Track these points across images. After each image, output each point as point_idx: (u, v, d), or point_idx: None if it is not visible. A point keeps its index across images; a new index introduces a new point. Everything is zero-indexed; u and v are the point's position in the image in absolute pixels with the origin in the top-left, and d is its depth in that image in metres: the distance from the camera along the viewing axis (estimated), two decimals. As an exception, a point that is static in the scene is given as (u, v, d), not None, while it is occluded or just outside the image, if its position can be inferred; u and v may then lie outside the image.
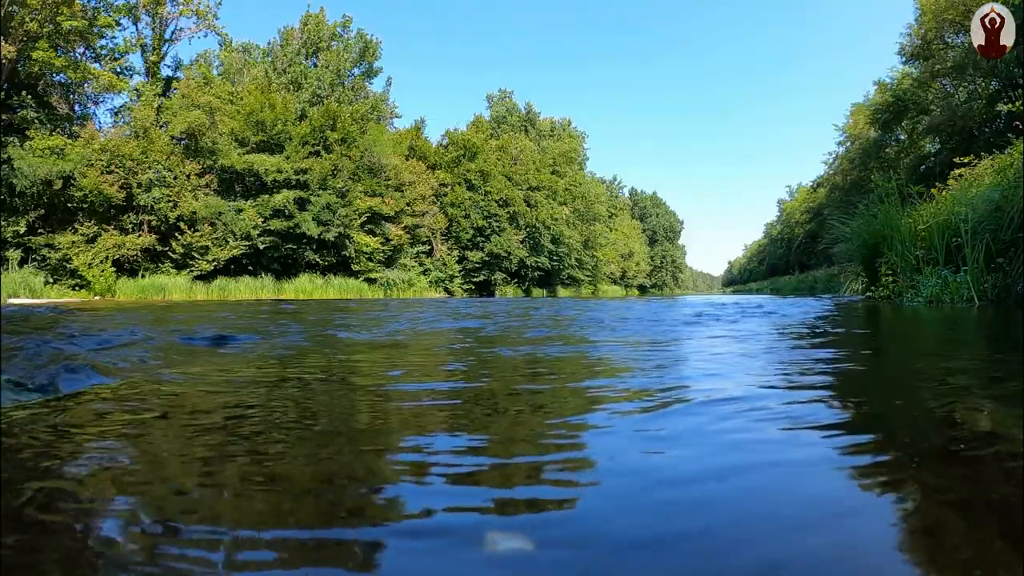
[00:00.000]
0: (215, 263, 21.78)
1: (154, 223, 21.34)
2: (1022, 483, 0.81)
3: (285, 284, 23.28)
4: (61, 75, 21.36)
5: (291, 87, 30.22)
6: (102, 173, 19.77)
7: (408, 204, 29.25)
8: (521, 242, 37.92)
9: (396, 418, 1.28)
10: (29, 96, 20.20)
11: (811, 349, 2.54)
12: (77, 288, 18.91)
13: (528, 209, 39.02)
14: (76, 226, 19.64)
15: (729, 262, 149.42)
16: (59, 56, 20.36)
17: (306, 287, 23.31)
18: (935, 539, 0.65)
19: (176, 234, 21.37)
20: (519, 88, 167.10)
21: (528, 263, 38.80)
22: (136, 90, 23.39)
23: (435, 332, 3.90)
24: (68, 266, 18.99)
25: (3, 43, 18.16)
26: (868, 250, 8.58)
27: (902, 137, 29.04)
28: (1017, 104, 20.56)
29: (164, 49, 25.31)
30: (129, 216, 20.92)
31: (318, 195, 24.93)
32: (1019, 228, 5.80)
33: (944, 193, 8.18)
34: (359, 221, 25.98)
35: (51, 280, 18.68)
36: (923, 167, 25.69)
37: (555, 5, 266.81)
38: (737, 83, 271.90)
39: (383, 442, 1.07)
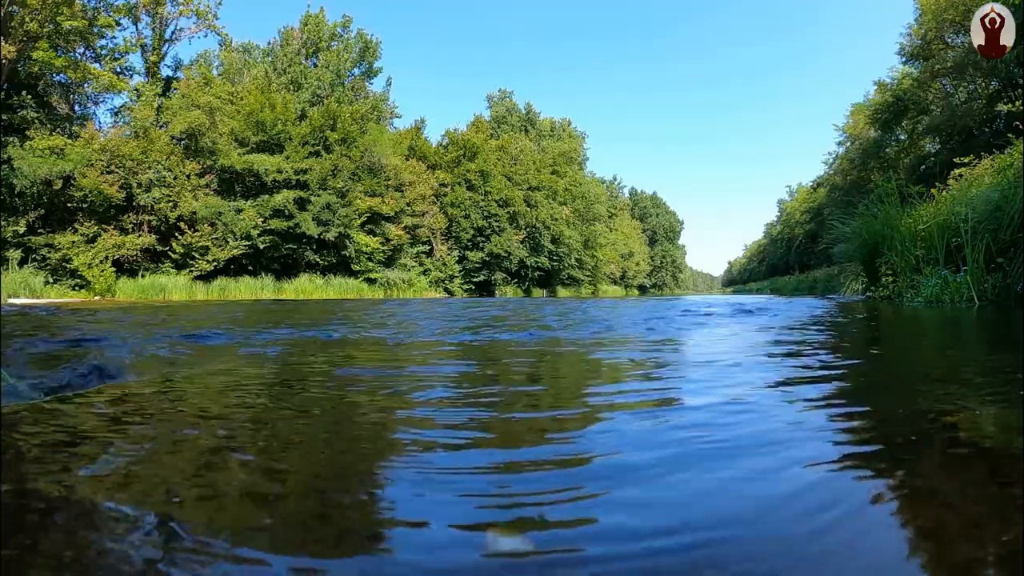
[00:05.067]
0: (215, 263, 21.77)
1: (154, 223, 21.33)
2: (1022, 483, 0.81)
3: (285, 284, 23.28)
4: (61, 75, 21.35)
5: (291, 87, 30.21)
6: (102, 173, 19.76)
7: (408, 204, 29.24)
8: (521, 242, 37.90)
9: (396, 417, 1.28)
10: (29, 96, 20.19)
11: (810, 349, 2.54)
12: (77, 288, 18.90)
13: (528, 209, 39.00)
14: (76, 226, 19.63)
15: (729, 262, 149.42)
16: (59, 56, 20.35)
17: (306, 287, 23.32)
18: (935, 539, 0.65)
19: (176, 234, 21.36)
20: (519, 88, 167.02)
21: (528, 263, 38.78)
22: (136, 90, 23.38)
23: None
24: (68, 266, 18.98)
25: (3, 43, 18.16)
26: (868, 250, 8.57)
27: (902, 137, 29.03)
28: (1017, 104, 20.56)
29: (164, 49, 25.30)
30: (129, 216, 20.91)
31: (318, 195, 24.93)
32: (1019, 228, 5.79)
33: (944, 193, 8.17)
34: (359, 221, 25.97)
35: (51, 280, 18.67)
36: (923, 167, 25.69)
37: (555, 6, 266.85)
38: (737, 83, 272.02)
39: (383, 441, 1.07)
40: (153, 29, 24.91)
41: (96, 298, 17.77)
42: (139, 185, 20.51)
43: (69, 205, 19.50)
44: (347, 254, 25.76)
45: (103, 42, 23.01)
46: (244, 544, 0.63)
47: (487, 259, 35.43)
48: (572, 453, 0.95)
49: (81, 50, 22.26)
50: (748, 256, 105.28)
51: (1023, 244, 5.71)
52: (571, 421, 1.20)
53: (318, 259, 25.20)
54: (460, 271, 33.60)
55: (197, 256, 21.53)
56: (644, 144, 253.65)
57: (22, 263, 18.44)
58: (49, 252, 18.92)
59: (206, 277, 21.67)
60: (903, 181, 9.27)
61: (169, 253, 21.40)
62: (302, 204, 24.65)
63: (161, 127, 22.28)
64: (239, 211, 22.81)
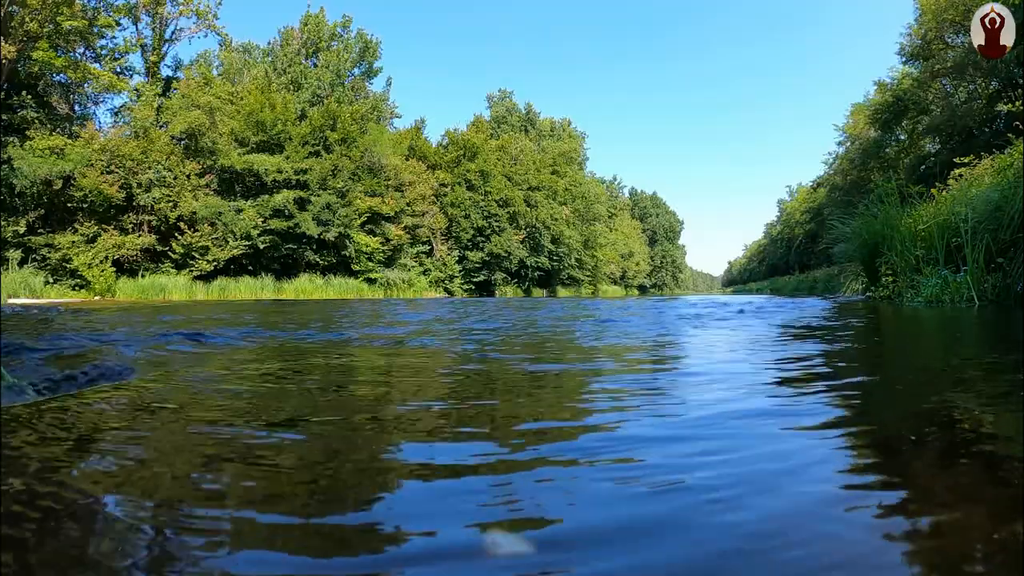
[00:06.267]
0: (215, 263, 21.78)
1: (154, 223, 21.34)
2: (1022, 483, 0.81)
3: (285, 284, 23.29)
4: (61, 75, 21.37)
5: (291, 87, 30.21)
6: (102, 173, 19.77)
7: (408, 204, 29.25)
8: (521, 242, 37.91)
9: (395, 413, 1.28)
10: (29, 96, 20.20)
11: (810, 349, 2.54)
12: (77, 288, 18.91)
13: (528, 209, 39.02)
14: (76, 226, 19.64)
15: (729, 262, 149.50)
16: (59, 56, 20.36)
17: (306, 287, 23.33)
18: (935, 539, 0.65)
19: (176, 234, 21.37)
20: (519, 88, 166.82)
21: (528, 263, 38.79)
22: (136, 90, 23.39)
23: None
24: (68, 266, 18.99)
25: (3, 43, 18.16)
26: (868, 250, 8.57)
27: (902, 137, 29.03)
28: (1017, 104, 20.57)
29: (164, 49, 25.32)
30: (129, 216, 20.92)
31: (318, 195, 24.94)
32: (1019, 228, 5.79)
33: (944, 193, 8.17)
34: (359, 221, 25.98)
35: (51, 280, 18.67)
36: (923, 167, 25.69)
37: (555, 6, 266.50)
38: (737, 83, 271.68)
39: (382, 438, 1.07)
40: (153, 29, 24.93)
41: (96, 298, 17.77)
42: (139, 185, 20.52)
43: (69, 205, 19.50)
44: (347, 254, 25.77)
45: (103, 42, 23.05)
46: (245, 541, 0.63)
47: (487, 259, 35.44)
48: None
49: (81, 50, 22.27)
50: (748, 256, 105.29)
51: (1023, 244, 5.71)
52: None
53: (318, 259, 25.21)
54: (460, 271, 33.60)
55: (197, 256, 21.54)
56: (644, 144, 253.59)
57: (22, 263, 18.44)
58: (49, 252, 18.92)
59: (206, 277, 21.68)
60: (903, 181, 9.25)
61: (169, 253, 21.41)
62: (302, 204, 24.66)
63: (161, 127, 22.29)
64: (239, 211, 22.82)
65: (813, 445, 0.98)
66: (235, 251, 22.25)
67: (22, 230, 18.66)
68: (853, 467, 0.89)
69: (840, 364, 2.10)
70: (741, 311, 5.86)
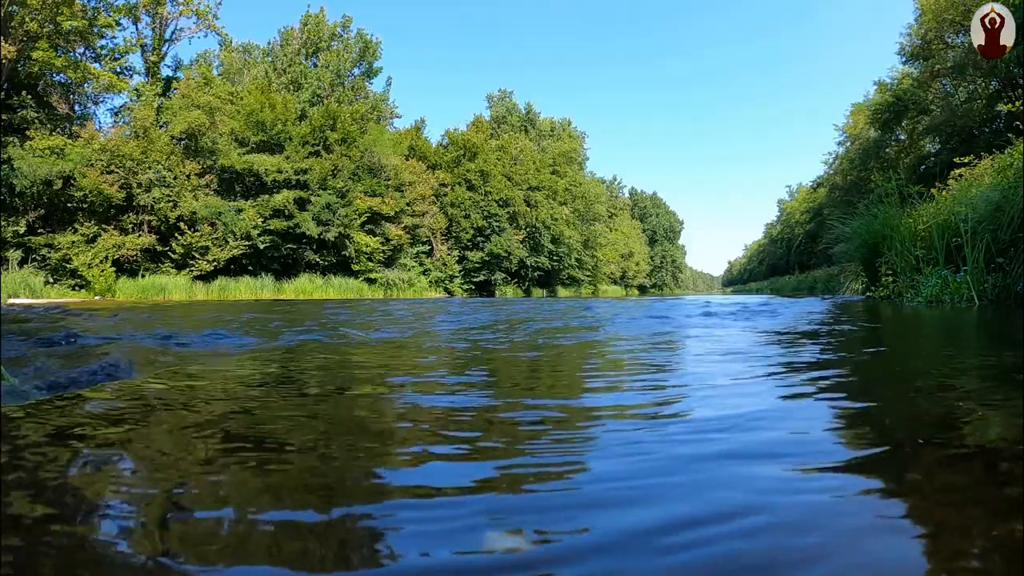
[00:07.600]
0: (215, 263, 21.78)
1: (154, 223, 21.34)
2: (1022, 483, 0.81)
3: (285, 284, 23.29)
4: (61, 75, 21.37)
5: (291, 87, 30.22)
6: (102, 173, 19.77)
7: (408, 204, 29.24)
8: (521, 242, 37.89)
9: (394, 412, 1.28)
10: (29, 96, 20.20)
11: (810, 349, 2.54)
12: (77, 288, 18.91)
13: (528, 209, 38.99)
14: (76, 226, 19.64)
15: (729, 262, 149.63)
16: (59, 56, 20.36)
17: (306, 287, 23.33)
18: (935, 539, 0.65)
19: (176, 234, 21.37)
20: (519, 88, 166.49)
21: (528, 263, 38.77)
22: (136, 90, 23.40)
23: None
24: (68, 266, 18.99)
25: (3, 43, 18.16)
26: (868, 250, 8.57)
27: (902, 137, 29.00)
28: (1017, 104, 20.53)
29: (164, 49, 25.33)
30: (129, 216, 20.92)
31: (318, 195, 24.94)
32: (1019, 228, 5.79)
33: (944, 193, 8.17)
34: (359, 221, 25.98)
35: (51, 280, 18.67)
36: (923, 167, 25.66)
37: (555, 5, 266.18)
38: (737, 83, 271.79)
39: (382, 437, 1.07)
40: (153, 29, 24.94)
41: (96, 298, 17.77)
42: (139, 185, 20.52)
43: (69, 205, 19.50)
44: (347, 254, 25.76)
45: (103, 42, 23.06)
46: (245, 542, 0.63)
47: (487, 259, 35.41)
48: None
49: (81, 50, 22.27)
50: (748, 256, 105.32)
51: (1023, 244, 5.71)
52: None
53: (318, 259, 25.21)
54: (460, 271, 33.59)
55: (197, 256, 21.54)
56: (644, 144, 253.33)
57: (22, 263, 18.44)
58: (49, 252, 18.92)
59: (206, 277, 21.68)
60: (903, 181, 9.19)
61: (169, 253, 21.41)
62: (302, 204, 24.65)
63: (161, 127, 22.29)
64: (239, 211, 22.82)
65: (807, 442, 0.98)
66: (235, 251, 22.25)
67: (22, 230, 18.66)
68: (851, 465, 0.89)
69: (840, 364, 2.09)
70: (740, 312, 5.85)
